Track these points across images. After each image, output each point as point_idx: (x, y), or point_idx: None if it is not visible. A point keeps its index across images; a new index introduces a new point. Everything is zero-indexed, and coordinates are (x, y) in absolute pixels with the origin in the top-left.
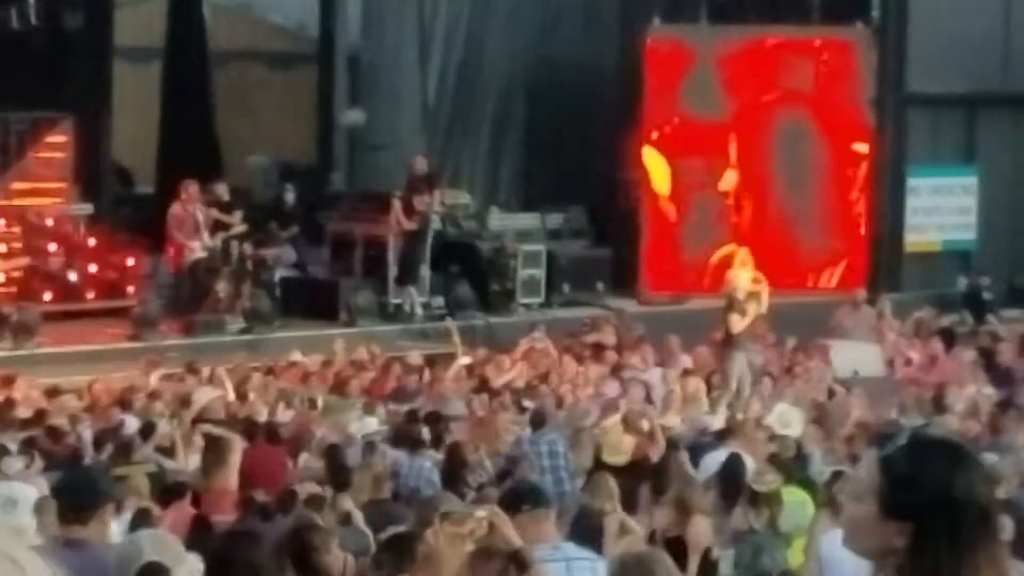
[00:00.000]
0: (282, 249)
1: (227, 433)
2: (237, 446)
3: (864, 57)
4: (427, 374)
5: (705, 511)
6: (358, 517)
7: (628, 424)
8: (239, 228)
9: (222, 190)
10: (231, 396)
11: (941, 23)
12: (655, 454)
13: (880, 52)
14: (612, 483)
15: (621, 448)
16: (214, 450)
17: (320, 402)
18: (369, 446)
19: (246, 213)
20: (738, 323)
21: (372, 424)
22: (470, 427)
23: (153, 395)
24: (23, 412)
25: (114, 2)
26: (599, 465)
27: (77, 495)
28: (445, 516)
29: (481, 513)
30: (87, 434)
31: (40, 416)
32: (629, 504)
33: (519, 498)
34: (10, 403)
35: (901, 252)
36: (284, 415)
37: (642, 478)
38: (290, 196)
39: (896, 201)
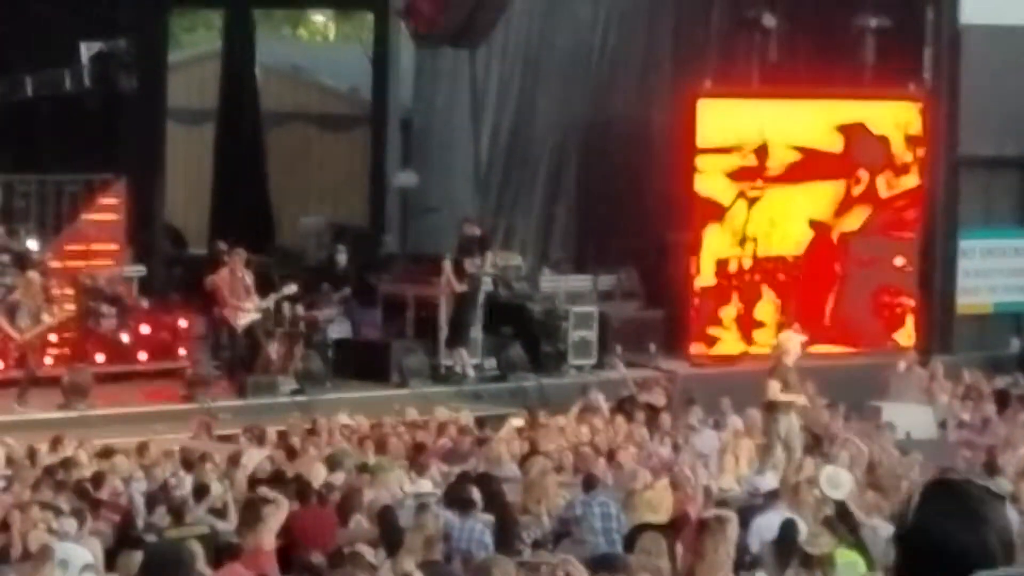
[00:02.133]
0: (334, 310)
1: (269, 493)
2: (275, 506)
3: (917, 119)
4: (479, 436)
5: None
6: None
7: (676, 486)
8: (290, 290)
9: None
10: (280, 457)
11: (994, 85)
12: (694, 512)
13: (933, 114)
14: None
15: (661, 507)
16: (250, 509)
17: (371, 463)
18: (421, 507)
19: (298, 275)
20: (776, 390)
21: (424, 486)
22: (522, 489)
23: (205, 456)
24: (77, 474)
25: (167, 64)
26: (639, 524)
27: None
28: (521, 564)
29: (556, 561)
30: (140, 496)
31: (94, 478)
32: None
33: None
34: (64, 464)
35: (953, 314)
36: (335, 476)
37: (679, 537)
38: (342, 257)
39: (948, 263)
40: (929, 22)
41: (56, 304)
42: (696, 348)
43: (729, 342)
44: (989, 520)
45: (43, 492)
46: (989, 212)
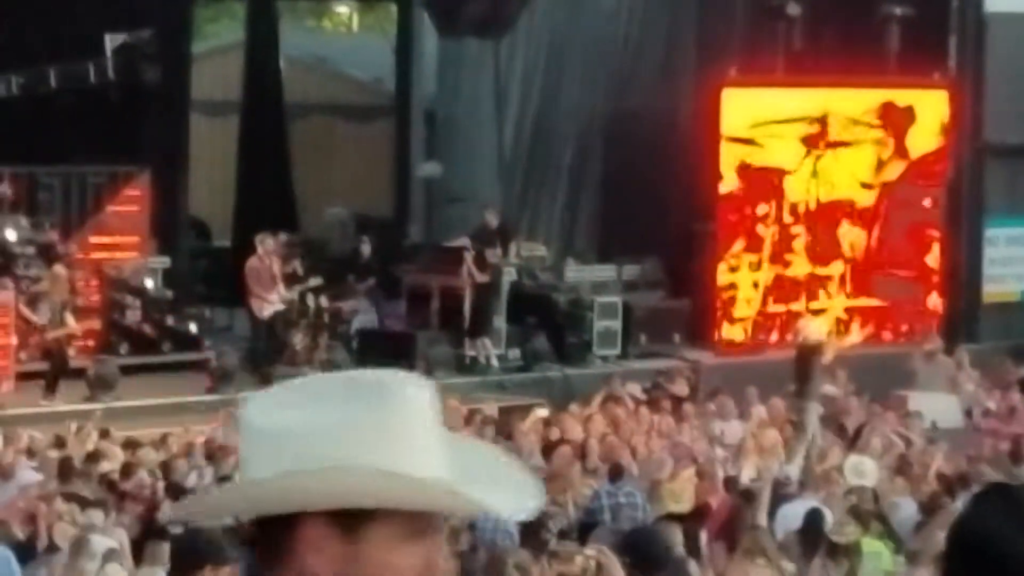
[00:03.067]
0: (359, 302)
1: None
2: None
3: (941, 108)
4: (503, 426)
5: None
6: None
7: (702, 475)
8: (316, 281)
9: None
10: None
11: (1019, 72)
12: (716, 502)
13: (957, 103)
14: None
15: (685, 497)
16: None
17: None
18: None
19: (323, 266)
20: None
21: None
22: (546, 480)
23: (229, 448)
24: (102, 465)
25: (191, 56)
26: (663, 514)
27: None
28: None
29: (590, 552)
30: (163, 487)
31: (119, 469)
32: (689, 552)
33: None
34: (90, 456)
35: (979, 302)
36: None
37: (702, 525)
38: (366, 248)
39: (974, 251)
40: (954, 10)
41: (81, 297)
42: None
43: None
44: None
45: (69, 484)
46: (1014, 200)
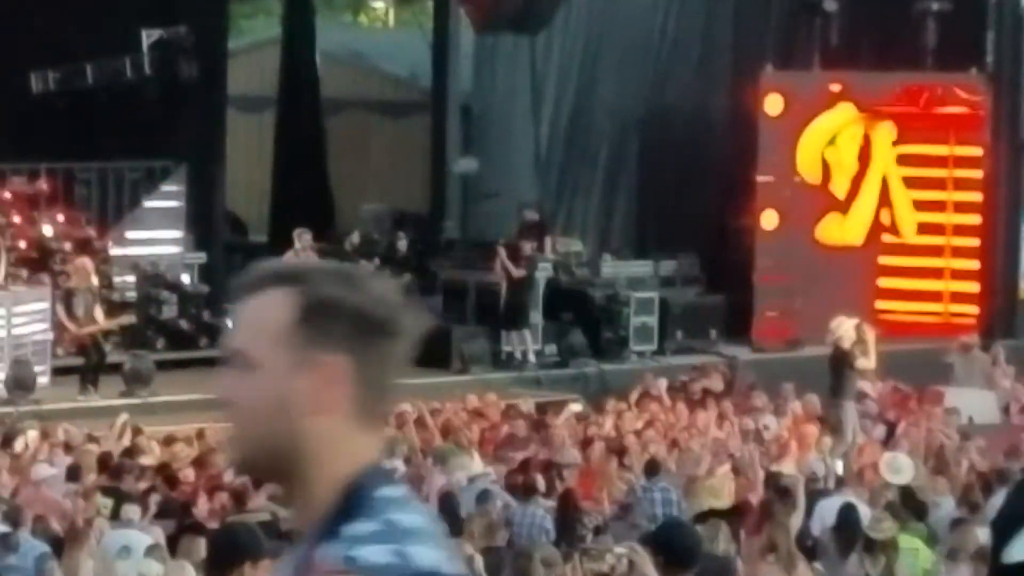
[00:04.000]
0: None
1: None
2: None
3: (978, 103)
4: (539, 421)
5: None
6: (479, 563)
7: (738, 471)
8: None
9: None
10: None
11: None
12: (755, 499)
13: (994, 98)
14: (726, 529)
15: (723, 493)
16: None
17: (435, 449)
18: (484, 494)
19: (359, 260)
20: (864, 364)
21: (482, 471)
22: (580, 475)
23: None
24: (139, 461)
25: (228, 51)
26: (702, 511)
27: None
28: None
29: (621, 549)
30: (199, 483)
31: (156, 465)
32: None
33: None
34: (126, 452)
35: (1016, 298)
36: (396, 463)
37: (743, 523)
38: (402, 244)
39: (1011, 247)
40: (991, 5)
41: (117, 292)
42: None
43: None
44: None
45: (105, 479)
46: None
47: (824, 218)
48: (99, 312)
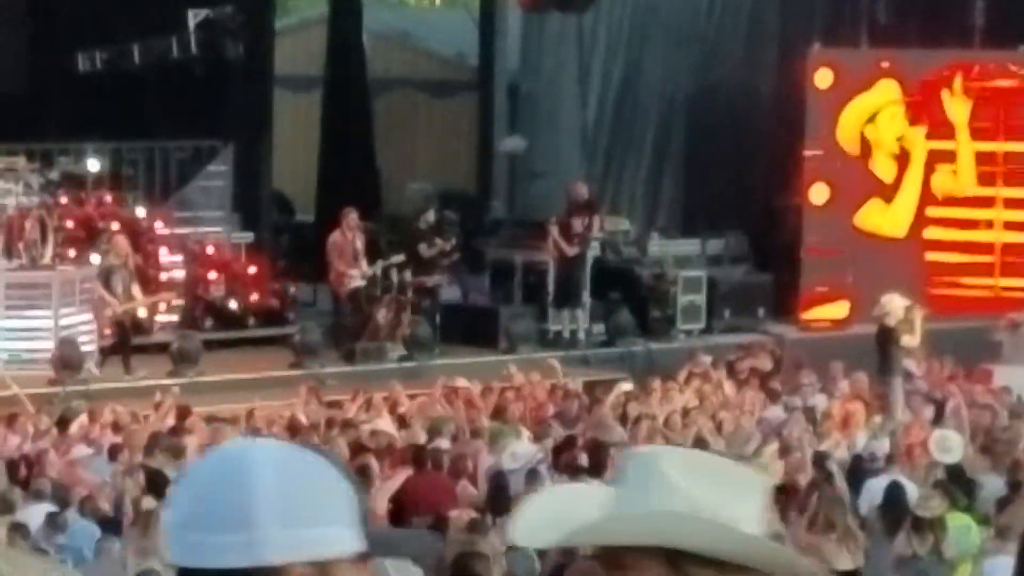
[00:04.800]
0: (443, 276)
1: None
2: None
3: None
4: (587, 400)
5: (852, 535)
6: None
7: (786, 451)
8: (397, 258)
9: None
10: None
11: None
12: (803, 478)
13: None
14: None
15: (769, 471)
16: (358, 475)
17: (481, 428)
18: (532, 473)
19: (406, 240)
20: (909, 341)
21: (532, 451)
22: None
23: (312, 423)
24: (186, 440)
25: (274, 31)
26: None
27: None
28: None
29: None
30: None
31: (203, 444)
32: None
33: None
34: (173, 431)
35: None
36: (443, 442)
37: (790, 503)
38: (424, 224)
39: None
40: None
41: (164, 271)
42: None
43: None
44: None
45: (152, 458)
46: None
47: (867, 203)
48: (137, 290)
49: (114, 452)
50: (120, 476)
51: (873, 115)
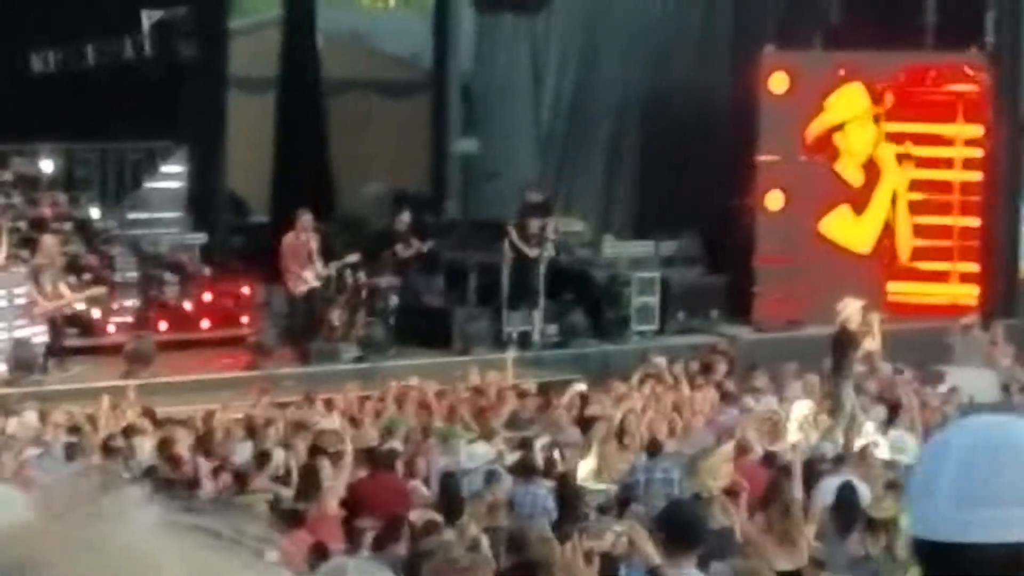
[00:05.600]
0: (395, 277)
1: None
2: (334, 471)
3: (978, 83)
4: (542, 401)
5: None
6: (484, 544)
7: (742, 451)
8: (352, 258)
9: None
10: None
11: None
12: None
13: (994, 78)
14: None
15: (721, 474)
16: (307, 478)
17: (436, 429)
18: (489, 474)
19: (360, 242)
20: (870, 344)
21: (489, 452)
22: (579, 455)
23: (268, 424)
24: (140, 442)
25: (228, 32)
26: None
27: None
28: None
29: (620, 527)
30: (204, 463)
31: (159, 446)
32: None
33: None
34: (127, 432)
35: (1016, 278)
36: (396, 443)
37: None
38: (400, 225)
39: (1010, 227)
40: None
41: (118, 273)
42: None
43: (791, 308)
44: None
45: (106, 460)
46: None
47: (834, 209)
48: (65, 288)
49: (71, 453)
50: (73, 477)
51: (842, 124)
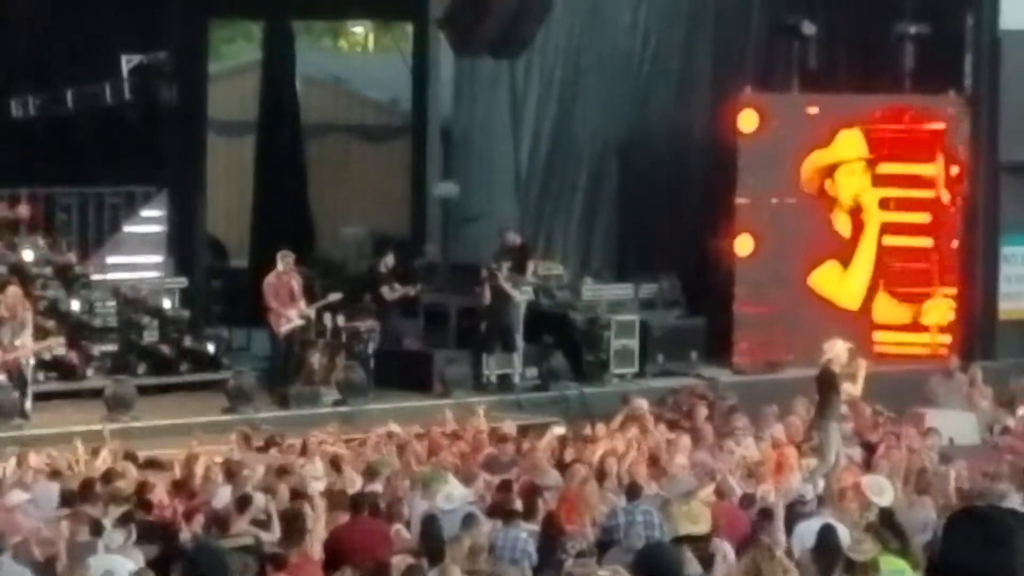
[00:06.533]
0: (374, 320)
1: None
2: (322, 518)
3: (956, 126)
4: (521, 444)
5: None
6: None
7: (720, 494)
8: (335, 297)
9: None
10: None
11: None
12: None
13: (972, 121)
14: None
15: (701, 517)
16: (293, 523)
17: (417, 473)
18: (469, 517)
19: (339, 285)
20: (850, 389)
21: (466, 494)
22: (561, 498)
23: (246, 468)
24: (121, 485)
25: (208, 76)
26: (679, 536)
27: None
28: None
29: (604, 572)
30: (182, 508)
31: (137, 490)
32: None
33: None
34: (108, 476)
35: (995, 320)
36: (376, 486)
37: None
38: (384, 268)
39: (990, 269)
40: (969, 28)
41: (98, 318)
42: (737, 355)
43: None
44: (1013, 545)
45: (88, 504)
46: None
47: (823, 264)
48: (27, 338)
49: (67, 499)
50: (56, 521)
51: (832, 169)
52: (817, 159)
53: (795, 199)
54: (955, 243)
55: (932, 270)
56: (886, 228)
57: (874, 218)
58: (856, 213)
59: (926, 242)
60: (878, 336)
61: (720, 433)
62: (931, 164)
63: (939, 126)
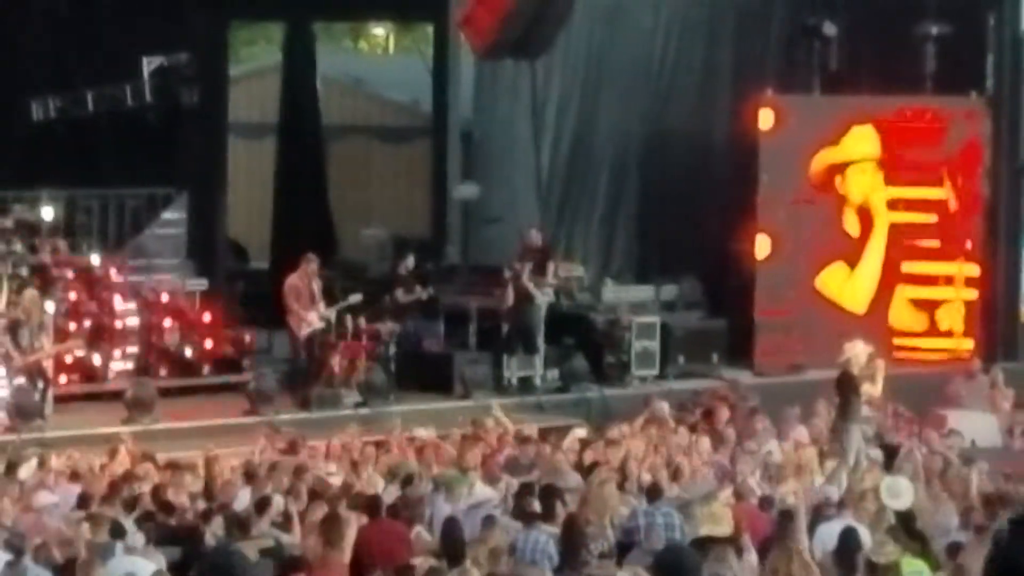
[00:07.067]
0: (395, 322)
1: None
2: (353, 522)
3: (979, 127)
4: (542, 446)
5: None
6: None
7: (740, 496)
8: (356, 298)
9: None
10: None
11: None
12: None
13: (994, 122)
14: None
15: (724, 519)
16: (332, 527)
17: (439, 475)
18: (488, 519)
19: (360, 287)
20: (870, 390)
21: (487, 495)
22: (584, 500)
23: (268, 470)
24: (142, 488)
25: (228, 78)
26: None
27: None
28: None
29: (624, 573)
30: (203, 509)
31: (157, 492)
32: None
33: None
34: (129, 478)
35: (1017, 321)
36: (395, 489)
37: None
38: (404, 270)
39: (1011, 270)
40: (991, 29)
41: (120, 320)
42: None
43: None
44: None
45: (110, 506)
46: None
47: (830, 266)
48: (46, 340)
49: (85, 501)
50: (76, 524)
51: (846, 165)
52: (828, 156)
53: (816, 201)
54: (968, 244)
55: (942, 272)
56: (895, 228)
57: (883, 218)
58: (865, 212)
59: (934, 244)
60: (897, 341)
61: (742, 435)
62: (942, 165)
63: (961, 129)
